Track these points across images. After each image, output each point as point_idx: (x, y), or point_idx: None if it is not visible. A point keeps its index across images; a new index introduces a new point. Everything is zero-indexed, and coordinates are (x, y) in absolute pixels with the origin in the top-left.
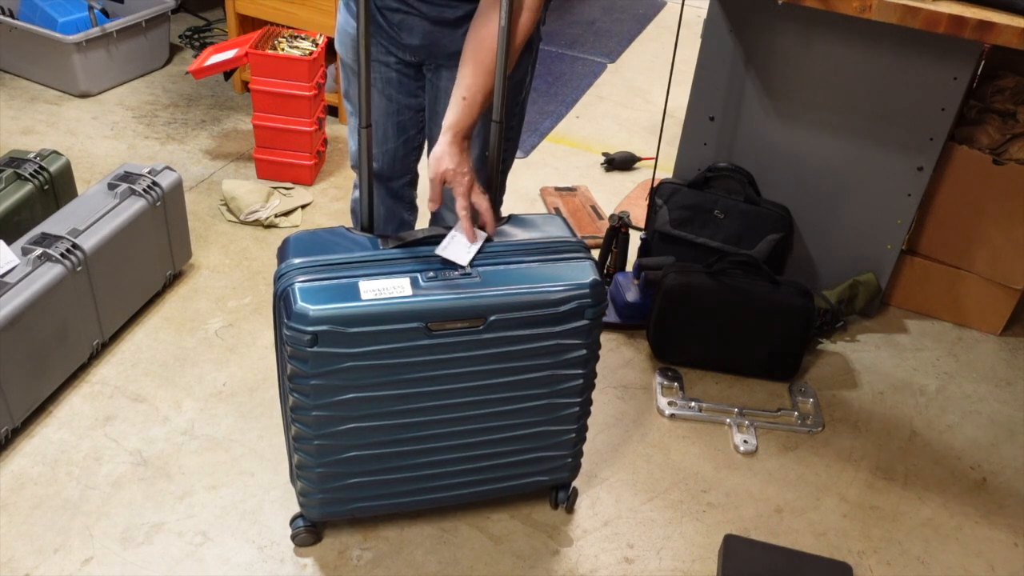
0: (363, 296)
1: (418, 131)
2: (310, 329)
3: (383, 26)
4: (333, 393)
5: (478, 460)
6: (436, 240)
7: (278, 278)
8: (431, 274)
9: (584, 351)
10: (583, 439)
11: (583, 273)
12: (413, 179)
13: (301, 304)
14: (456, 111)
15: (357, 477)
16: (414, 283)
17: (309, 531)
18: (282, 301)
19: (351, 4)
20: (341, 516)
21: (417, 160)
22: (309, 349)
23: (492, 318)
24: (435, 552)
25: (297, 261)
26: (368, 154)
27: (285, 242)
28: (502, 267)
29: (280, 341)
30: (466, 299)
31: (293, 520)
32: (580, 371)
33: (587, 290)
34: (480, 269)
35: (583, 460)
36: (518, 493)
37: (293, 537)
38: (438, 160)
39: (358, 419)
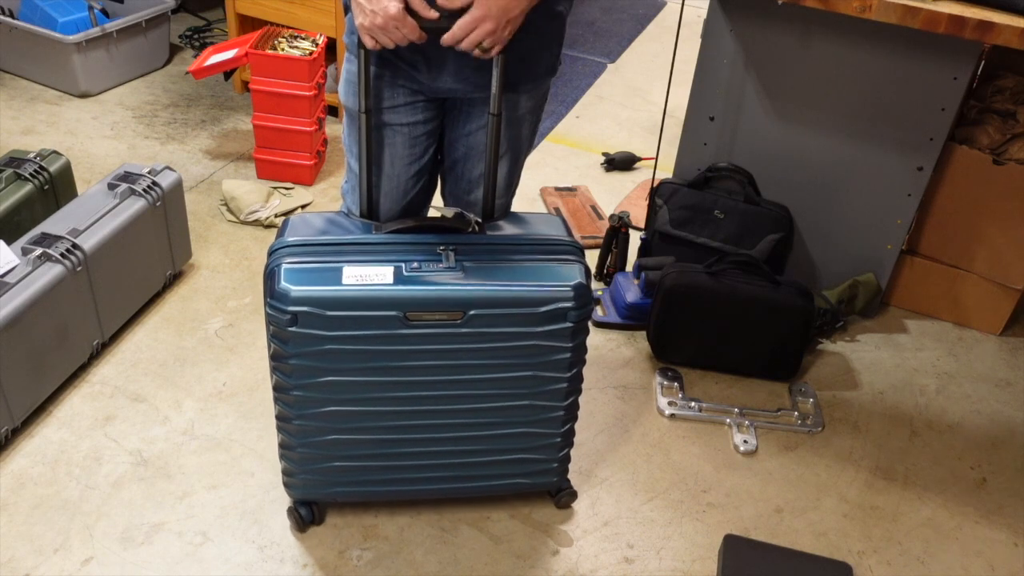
0: (344, 281)
1: (431, 171)
2: (290, 309)
3: (403, 68)
4: (313, 374)
5: (458, 456)
6: (429, 228)
7: (270, 255)
8: (415, 264)
9: (568, 355)
10: (569, 444)
11: (570, 275)
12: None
13: (283, 284)
14: None
15: (338, 461)
16: (397, 272)
17: (307, 515)
18: (269, 279)
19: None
20: (323, 499)
21: (430, 201)
22: (289, 329)
23: (471, 312)
24: (435, 552)
25: (290, 240)
26: (368, 138)
27: (285, 222)
28: (488, 263)
29: (266, 319)
30: (445, 291)
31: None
32: (563, 375)
33: (570, 292)
34: (466, 263)
35: (585, 460)
36: (501, 493)
37: (289, 515)
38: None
39: (338, 403)
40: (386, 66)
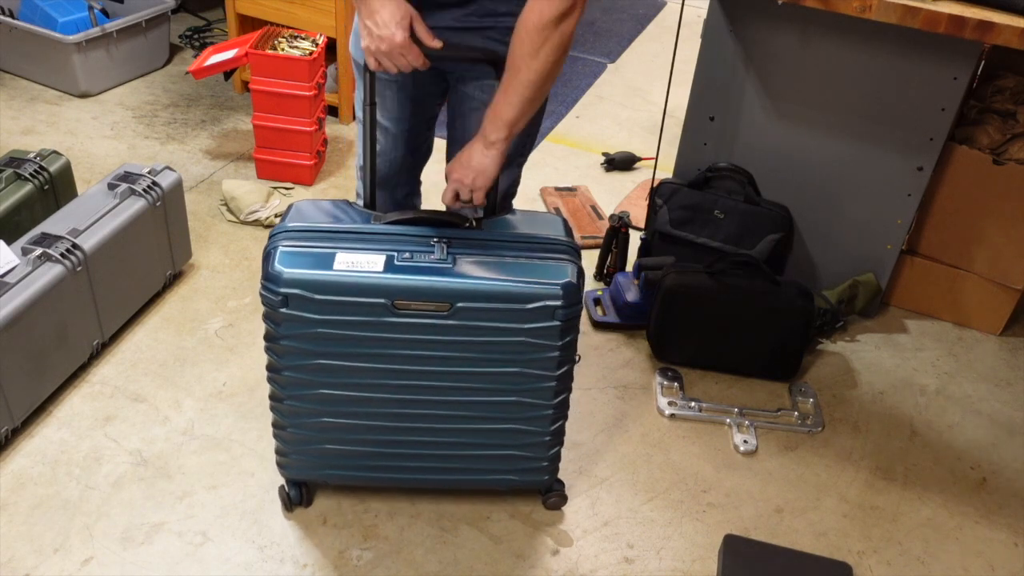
0: (335, 266)
1: (426, 139)
2: (281, 291)
3: None
4: (303, 357)
5: (447, 447)
6: (428, 221)
7: (271, 238)
8: (407, 254)
9: (556, 353)
10: (559, 443)
11: (560, 274)
12: (417, 188)
13: (277, 266)
14: (488, 117)
15: (328, 444)
16: (388, 260)
17: (295, 496)
18: (264, 261)
19: None
20: (314, 479)
21: (422, 169)
22: (280, 310)
23: (459, 305)
24: (435, 552)
25: (292, 225)
26: (372, 131)
27: (289, 207)
28: (480, 257)
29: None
30: (433, 282)
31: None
32: (552, 373)
33: (558, 290)
34: (457, 256)
35: (585, 460)
36: (490, 488)
37: (280, 494)
38: (462, 164)
39: (328, 386)
40: None
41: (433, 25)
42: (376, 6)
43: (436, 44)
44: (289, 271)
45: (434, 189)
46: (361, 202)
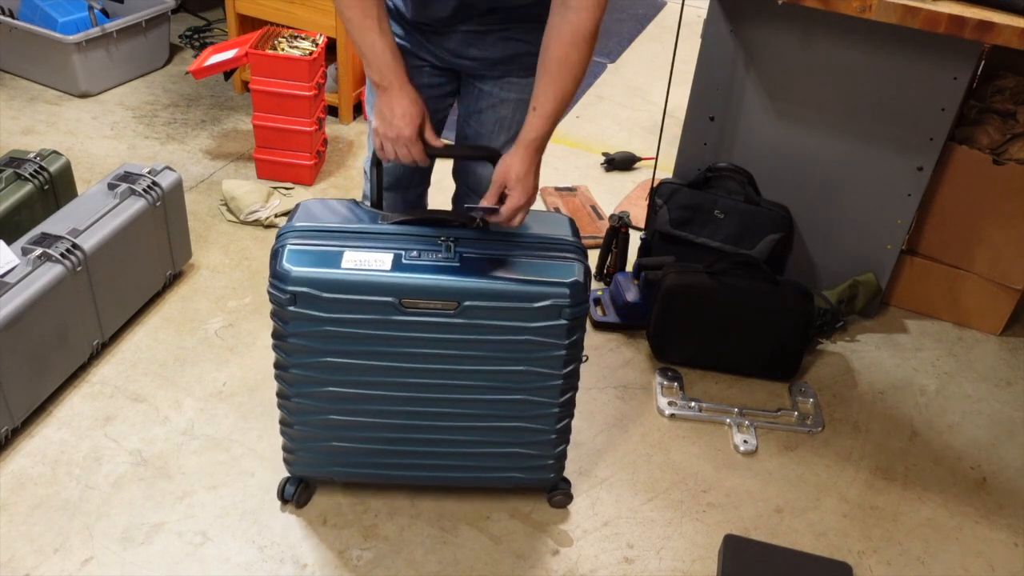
0: (343, 264)
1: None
2: (289, 289)
3: (417, 36)
4: (311, 355)
5: (453, 445)
6: (435, 221)
7: (278, 237)
8: (415, 253)
9: (563, 352)
10: (565, 441)
11: (567, 273)
12: (427, 188)
13: (285, 264)
14: (526, 122)
15: (335, 441)
16: (396, 259)
17: (289, 493)
18: (272, 259)
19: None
20: (319, 477)
21: (432, 168)
22: (288, 308)
23: (466, 303)
24: (435, 552)
25: (299, 224)
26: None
27: (296, 206)
28: (488, 256)
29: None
30: (440, 281)
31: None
32: (558, 372)
33: (566, 289)
34: (465, 255)
35: (585, 460)
36: (496, 486)
37: (280, 495)
38: (507, 166)
39: (335, 384)
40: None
41: (457, 29)
42: (393, 97)
43: (439, 143)
44: (297, 269)
45: (437, 187)
46: (368, 202)
